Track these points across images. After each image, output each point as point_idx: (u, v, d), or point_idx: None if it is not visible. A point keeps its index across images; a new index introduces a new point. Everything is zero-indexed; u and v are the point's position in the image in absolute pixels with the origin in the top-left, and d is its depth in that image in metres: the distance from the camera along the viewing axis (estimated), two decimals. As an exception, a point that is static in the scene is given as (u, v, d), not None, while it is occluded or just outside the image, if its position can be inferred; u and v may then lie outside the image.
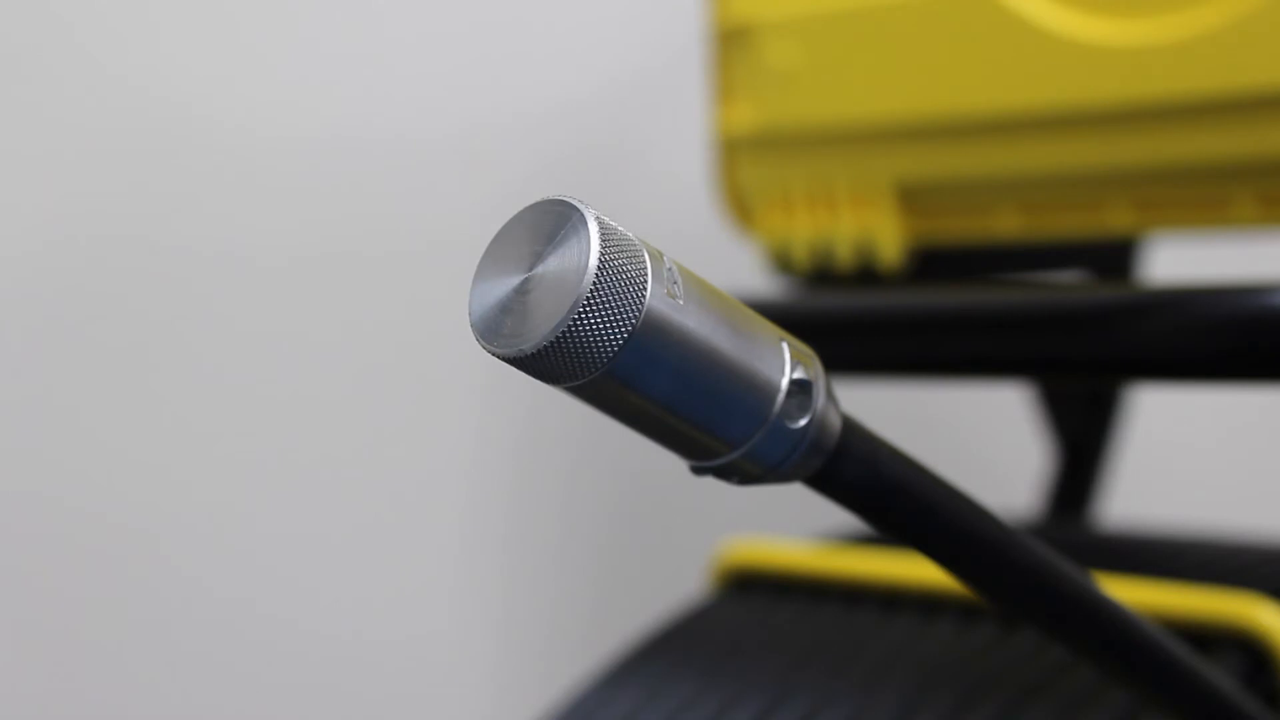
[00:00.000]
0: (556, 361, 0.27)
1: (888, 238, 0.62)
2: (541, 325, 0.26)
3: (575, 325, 0.26)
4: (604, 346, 0.27)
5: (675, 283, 0.28)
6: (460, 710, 0.97)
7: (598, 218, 0.27)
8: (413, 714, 0.95)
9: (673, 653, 0.60)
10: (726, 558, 0.64)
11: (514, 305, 0.27)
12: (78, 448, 0.85)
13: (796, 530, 0.73)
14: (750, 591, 0.63)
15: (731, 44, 0.65)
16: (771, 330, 0.30)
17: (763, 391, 0.29)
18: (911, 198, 0.61)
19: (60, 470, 0.84)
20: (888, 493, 0.32)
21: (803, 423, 0.30)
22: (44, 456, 0.84)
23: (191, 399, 0.85)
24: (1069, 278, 0.76)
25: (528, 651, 0.97)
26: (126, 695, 0.89)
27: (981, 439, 0.94)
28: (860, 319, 0.55)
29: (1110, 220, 0.57)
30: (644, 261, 0.27)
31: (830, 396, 0.30)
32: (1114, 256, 0.76)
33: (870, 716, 0.53)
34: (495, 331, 0.27)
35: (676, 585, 0.75)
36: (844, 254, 0.63)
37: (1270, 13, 0.51)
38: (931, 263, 0.63)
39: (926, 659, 0.55)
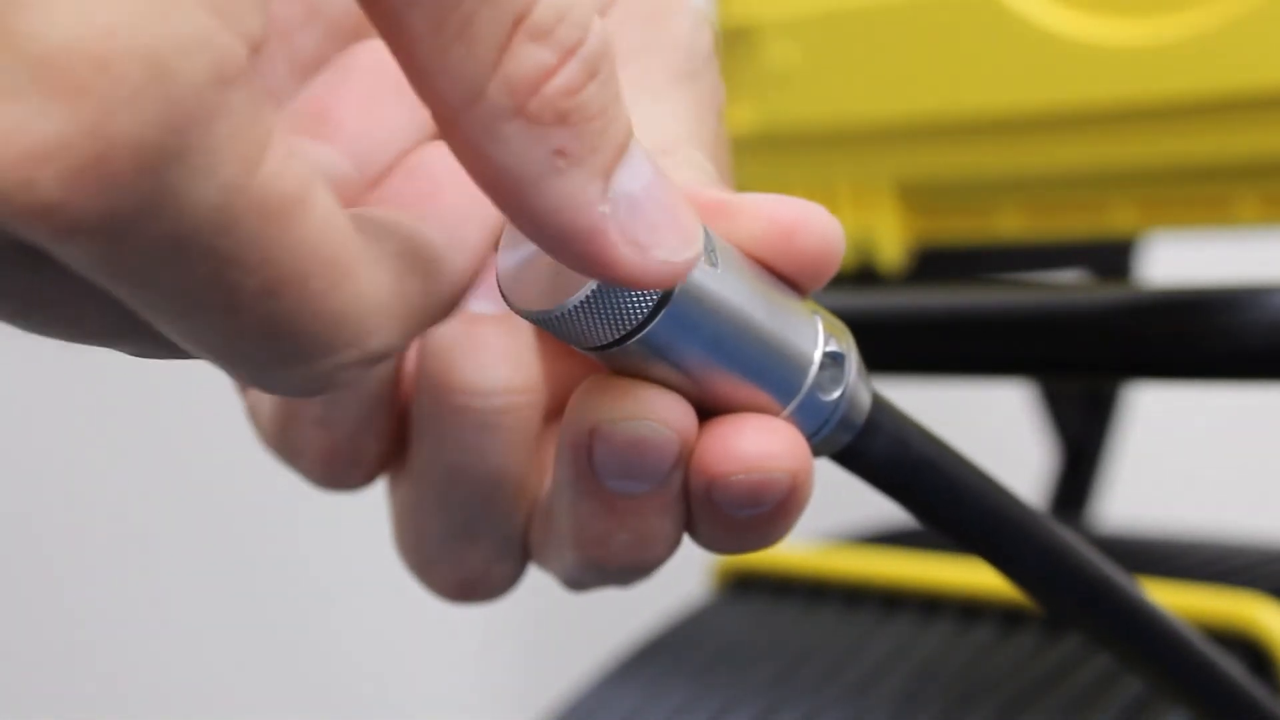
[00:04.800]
0: (587, 322, 0.26)
1: (888, 237, 0.62)
2: (572, 284, 0.26)
3: (605, 286, 0.26)
4: (636, 307, 0.26)
5: (713, 250, 0.27)
6: (459, 711, 0.97)
7: None
8: (410, 712, 0.95)
9: (672, 654, 0.60)
10: (726, 559, 0.64)
11: (544, 264, 0.26)
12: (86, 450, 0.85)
13: (796, 531, 0.73)
14: (750, 592, 0.63)
15: (731, 44, 0.65)
16: (804, 302, 0.29)
17: (796, 363, 0.28)
18: (912, 197, 0.61)
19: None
20: (917, 470, 0.32)
21: (835, 395, 0.29)
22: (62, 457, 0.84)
23: (201, 404, 0.85)
24: (1069, 278, 0.76)
25: (527, 651, 0.97)
26: (144, 700, 0.89)
27: (981, 439, 0.94)
28: (860, 319, 0.55)
29: (1113, 220, 0.57)
30: None
31: (861, 371, 0.30)
32: (1114, 256, 0.76)
33: (870, 717, 0.53)
34: (524, 291, 0.27)
35: (676, 586, 0.75)
36: (844, 254, 0.63)
37: (1271, 13, 0.51)
38: (932, 263, 0.63)
39: (926, 659, 0.55)
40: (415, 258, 0.26)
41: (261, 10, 0.21)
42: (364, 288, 0.24)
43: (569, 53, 0.23)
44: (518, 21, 0.23)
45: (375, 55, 0.28)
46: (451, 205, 0.28)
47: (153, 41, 0.20)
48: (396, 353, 0.25)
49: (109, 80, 0.20)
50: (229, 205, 0.21)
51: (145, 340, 0.24)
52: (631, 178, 0.25)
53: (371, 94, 0.28)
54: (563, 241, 0.24)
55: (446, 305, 0.27)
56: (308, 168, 0.23)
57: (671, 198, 0.25)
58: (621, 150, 0.24)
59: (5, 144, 0.20)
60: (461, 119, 0.23)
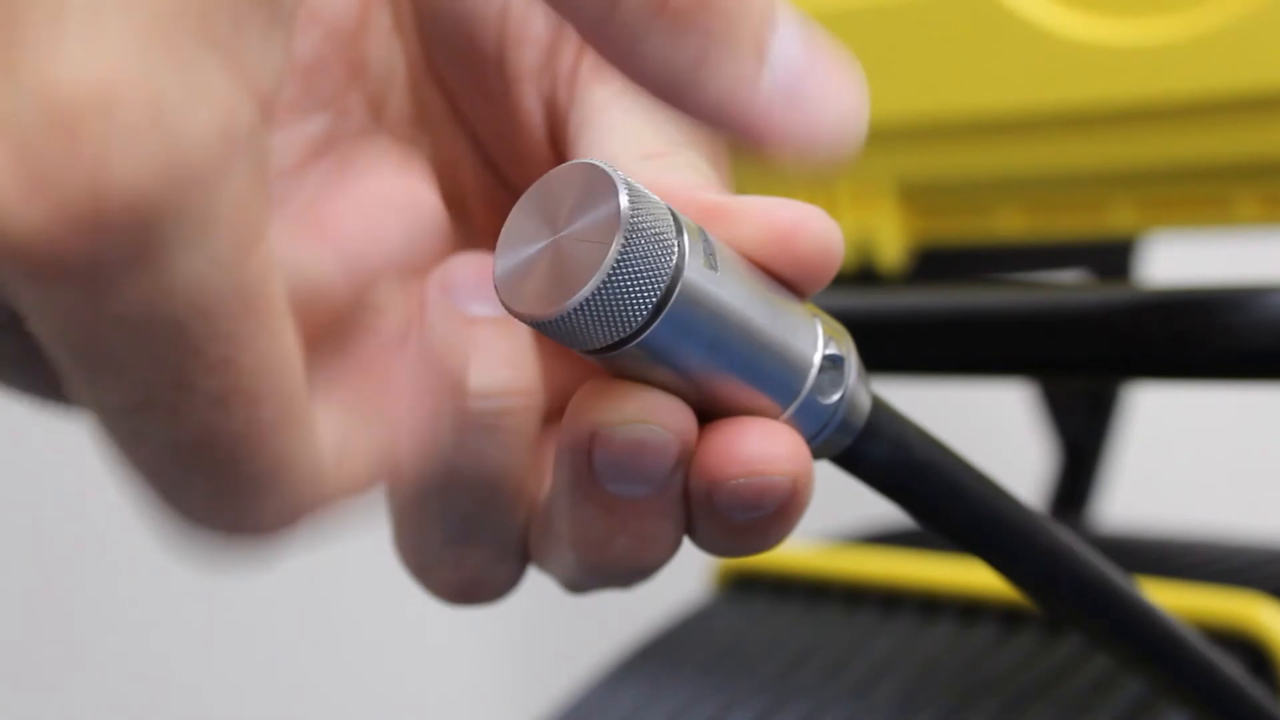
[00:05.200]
0: (584, 325, 0.26)
1: (888, 237, 0.62)
2: (570, 287, 0.26)
3: (606, 287, 0.25)
4: (635, 310, 0.26)
5: (712, 254, 0.27)
6: (459, 711, 0.97)
7: (627, 182, 0.26)
8: (412, 715, 0.95)
9: (672, 654, 0.60)
10: (726, 559, 0.64)
11: (540, 267, 0.26)
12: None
13: (796, 530, 0.73)
14: (750, 592, 0.63)
15: (731, 44, 0.64)
16: (804, 304, 0.29)
17: (796, 366, 0.28)
18: (912, 197, 0.61)
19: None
20: (916, 473, 0.32)
21: (835, 398, 0.29)
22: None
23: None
24: (1069, 278, 0.76)
25: (526, 652, 0.97)
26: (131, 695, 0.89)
27: (981, 439, 0.94)
28: (860, 319, 0.55)
29: (1112, 220, 0.57)
30: (673, 226, 0.26)
31: (861, 374, 0.30)
32: (1114, 256, 0.76)
33: (870, 717, 0.53)
34: (521, 294, 0.26)
35: (676, 586, 0.76)
36: (844, 254, 0.63)
37: (1271, 13, 0.51)
38: (932, 263, 0.63)
39: (926, 660, 0.55)
40: (363, 444, 0.25)
41: (277, 69, 0.21)
42: (308, 445, 0.23)
43: None
44: None
45: (375, 165, 0.28)
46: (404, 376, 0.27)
47: (159, 88, 0.20)
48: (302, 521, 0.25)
49: (110, 120, 0.19)
50: (214, 283, 0.21)
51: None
52: (785, 52, 0.25)
53: (374, 209, 0.27)
54: (734, 130, 0.25)
55: (371, 485, 0.26)
56: (325, 290, 0.22)
57: (824, 57, 0.25)
58: (766, 24, 0.25)
59: (1, 169, 0.19)
60: (604, 32, 0.24)
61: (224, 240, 0.20)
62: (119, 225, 0.20)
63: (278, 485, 0.23)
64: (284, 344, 0.22)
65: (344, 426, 0.25)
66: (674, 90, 0.24)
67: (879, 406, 0.31)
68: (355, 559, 0.90)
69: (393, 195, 0.26)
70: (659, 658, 0.60)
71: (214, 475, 0.22)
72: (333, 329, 0.26)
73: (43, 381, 0.24)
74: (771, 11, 0.25)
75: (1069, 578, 0.35)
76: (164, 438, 0.22)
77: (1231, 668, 0.39)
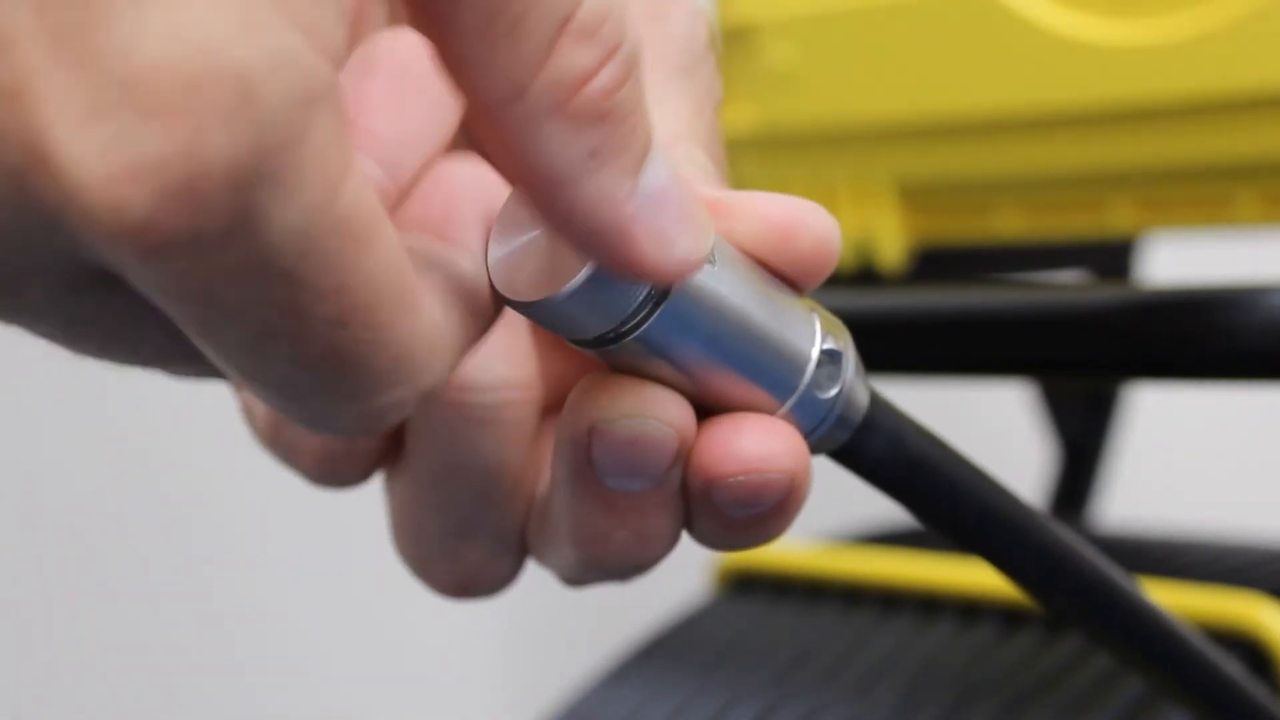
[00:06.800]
0: (578, 312, 0.26)
1: (888, 237, 0.62)
2: (563, 274, 0.26)
3: (599, 275, 0.26)
4: (629, 298, 0.26)
5: (710, 248, 0.27)
6: (460, 711, 0.97)
7: None
8: (412, 714, 0.95)
9: (672, 654, 0.60)
10: (726, 558, 0.64)
11: (535, 255, 0.26)
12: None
13: (796, 530, 0.73)
14: (750, 592, 0.63)
15: (731, 44, 0.65)
16: (801, 300, 0.29)
17: (793, 361, 0.28)
18: (912, 197, 0.61)
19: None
20: (914, 468, 0.32)
21: (832, 393, 0.29)
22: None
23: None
24: (1069, 278, 0.76)
25: (527, 652, 0.97)
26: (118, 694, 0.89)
27: (981, 439, 0.94)
28: (860, 319, 0.55)
29: (1112, 220, 0.57)
30: None
31: (859, 369, 0.30)
32: (1114, 256, 0.77)
33: (870, 717, 0.53)
34: (516, 282, 0.26)
35: (676, 586, 0.76)
36: (844, 254, 0.63)
37: (1271, 13, 0.51)
38: (932, 263, 0.63)
39: (926, 660, 0.55)
40: (457, 290, 0.26)
41: (344, 25, 0.21)
42: (423, 321, 0.24)
43: (610, 53, 0.23)
44: (565, 21, 0.23)
45: (394, 51, 0.28)
46: (474, 229, 0.27)
47: (243, 61, 0.20)
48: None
49: (201, 101, 0.20)
50: (312, 227, 0.21)
51: (200, 365, 0.24)
52: (654, 176, 0.25)
53: (396, 95, 0.27)
54: (592, 237, 0.25)
55: (481, 336, 0.27)
56: (377, 195, 0.23)
57: (687, 195, 0.26)
58: (646, 149, 0.25)
59: (96, 163, 0.20)
60: (502, 115, 0.24)
61: (313, 188, 0.21)
62: (217, 199, 0.20)
63: (406, 365, 0.24)
64: (390, 253, 0.23)
65: (435, 290, 0.25)
66: (550, 185, 0.24)
67: (877, 401, 0.31)
68: (353, 558, 0.90)
69: (413, 70, 0.27)
70: (659, 657, 0.60)
71: (343, 376, 0.23)
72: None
73: (146, 340, 0.24)
74: (651, 139, 0.25)
75: (1066, 573, 0.35)
76: (288, 359, 0.23)
77: (1231, 667, 0.39)
